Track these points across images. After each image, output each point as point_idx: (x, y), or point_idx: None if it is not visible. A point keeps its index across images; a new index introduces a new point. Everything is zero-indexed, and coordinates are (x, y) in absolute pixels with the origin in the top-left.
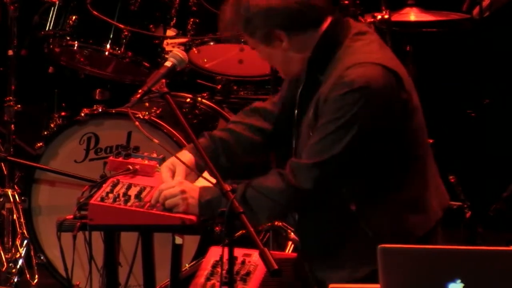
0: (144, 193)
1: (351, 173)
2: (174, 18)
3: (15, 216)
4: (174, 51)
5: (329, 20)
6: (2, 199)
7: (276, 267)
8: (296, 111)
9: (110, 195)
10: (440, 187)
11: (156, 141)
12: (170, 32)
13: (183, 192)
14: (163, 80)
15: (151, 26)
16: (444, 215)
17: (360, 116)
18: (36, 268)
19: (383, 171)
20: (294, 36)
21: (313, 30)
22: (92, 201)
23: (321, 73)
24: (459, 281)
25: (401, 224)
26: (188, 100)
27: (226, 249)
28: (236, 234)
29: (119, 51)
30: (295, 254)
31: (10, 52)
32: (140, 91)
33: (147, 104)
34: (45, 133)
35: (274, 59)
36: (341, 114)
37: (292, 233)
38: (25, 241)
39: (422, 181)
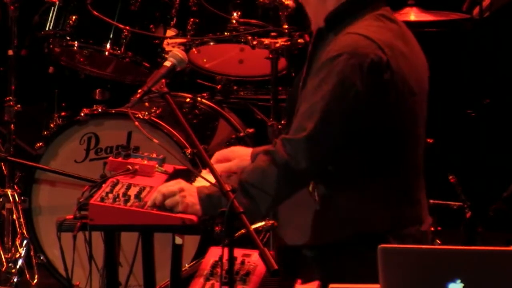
0: (144, 193)
1: (340, 144)
2: (174, 18)
3: (15, 216)
4: (174, 51)
5: None
6: (2, 199)
7: (276, 267)
8: (305, 69)
9: (110, 195)
10: (420, 201)
11: (156, 141)
12: (170, 32)
13: (181, 190)
14: (163, 80)
15: (151, 26)
16: (443, 215)
17: (345, 83)
18: (36, 268)
19: (352, 158)
20: None
21: None
22: (92, 201)
23: (333, 31)
24: (459, 281)
25: (355, 215)
26: (188, 100)
27: (225, 249)
28: (236, 234)
29: (119, 51)
30: None
31: (10, 52)
32: (140, 91)
33: (147, 104)
34: (45, 133)
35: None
36: (326, 80)
37: None
38: (25, 241)
39: (393, 185)
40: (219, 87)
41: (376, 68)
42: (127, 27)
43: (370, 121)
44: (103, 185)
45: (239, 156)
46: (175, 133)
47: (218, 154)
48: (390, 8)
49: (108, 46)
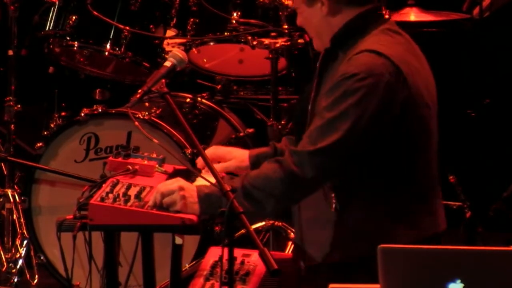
0: (144, 193)
1: (350, 161)
2: (174, 18)
3: (15, 216)
4: (174, 51)
5: (370, 6)
6: (2, 199)
7: (276, 267)
8: (314, 86)
9: (110, 195)
10: (437, 212)
11: (155, 141)
12: (170, 32)
13: (181, 189)
14: (163, 80)
15: (151, 26)
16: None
17: (361, 103)
18: (36, 268)
19: (372, 171)
20: (335, 3)
21: (355, 6)
22: (92, 201)
23: (342, 49)
24: (459, 281)
25: (376, 228)
26: (188, 100)
27: (225, 249)
28: (236, 234)
29: (119, 51)
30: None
31: (10, 52)
32: (140, 91)
33: (147, 104)
34: (45, 133)
35: (309, 21)
36: (342, 99)
37: (292, 233)
38: (25, 241)
39: (413, 196)
40: (219, 87)
41: (392, 87)
42: (127, 27)
43: (386, 137)
44: (103, 185)
45: (235, 157)
46: (175, 133)
47: (214, 149)
48: (394, 21)
49: (108, 46)
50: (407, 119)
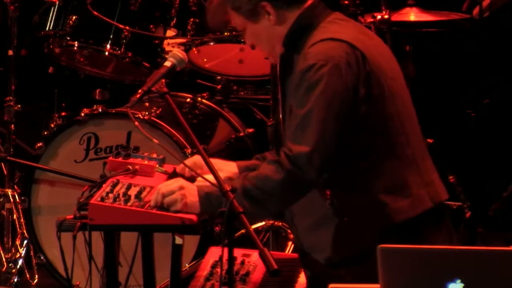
0: (144, 193)
1: (339, 147)
2: (174, 18)
3: (15, 216)
4: (174, 51)
5: (310, 2)
6: (2, 199)
7: (276, 267)
8: (280, 97)
9: (110, 195)
10: (433, 182)
11: (155, 141)
12: (170, 32)
13: (181, 188)
14: (163, 80)
15: (151, 26)
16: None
17: (328, 89)
18: (36, 268)
19: (356, 154)
20: (279, 9)
21: (296, 6)
22: (92, 201)
23: (296, 51)
24: (459, 281)
25: (377, 209)
26: (188, 100)
27: (225, 249)
28: (236, 234)
29: (119, 51)
30: (295, 254)
31: (10, 52)
32: (140, 91)
33: (147, 104)
34: (45, 133)
35: (260, 37)
36: (309, 92)
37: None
38: (25, 241)
39: (404, 169)
40: (219, 87)
41: (353, 64)
42: (127, 27)
43: (363, 114)
44: (103, 185)
45: (221, 169)
46: (175, 133)
47: (196, 159)
48: (339, 12)
49: (108, 46)
50: (375, 93)
